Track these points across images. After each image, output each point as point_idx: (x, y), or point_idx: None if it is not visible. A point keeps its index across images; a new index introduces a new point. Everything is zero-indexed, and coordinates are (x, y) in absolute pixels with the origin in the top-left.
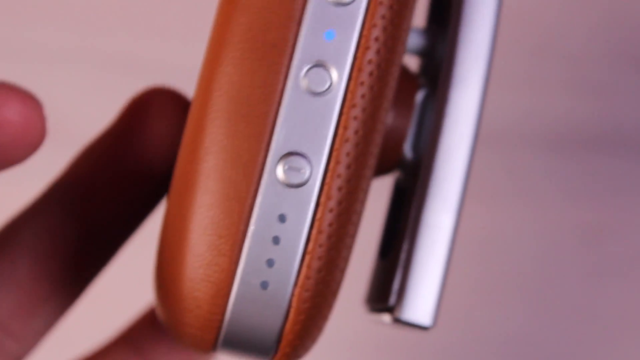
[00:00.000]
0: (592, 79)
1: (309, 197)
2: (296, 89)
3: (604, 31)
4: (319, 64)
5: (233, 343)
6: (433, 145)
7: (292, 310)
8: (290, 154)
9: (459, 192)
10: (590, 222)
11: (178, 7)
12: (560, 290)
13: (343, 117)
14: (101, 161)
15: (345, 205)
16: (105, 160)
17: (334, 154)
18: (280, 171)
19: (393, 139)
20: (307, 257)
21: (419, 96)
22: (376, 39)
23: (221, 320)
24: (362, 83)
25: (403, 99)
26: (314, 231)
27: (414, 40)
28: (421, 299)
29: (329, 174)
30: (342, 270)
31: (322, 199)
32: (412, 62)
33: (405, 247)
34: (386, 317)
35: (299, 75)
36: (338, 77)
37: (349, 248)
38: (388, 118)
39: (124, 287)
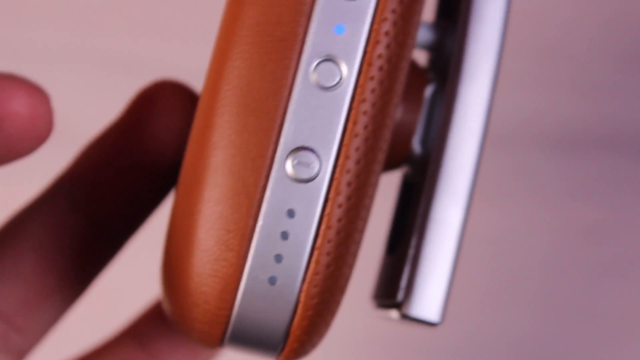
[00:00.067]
0: (600, 79)
1: (318, 192)
2: (306, 83)
3: (612, 32)
4: (329, 58)
5: (240, 338)
6: (442, 140)
7: (300, 306)
8: (299, 148)
9: (468, 187)
10: (601, 222)
11: (178, 7)
12: (569, 289)
13: (352, 112)
14: (107, 155)
15: (354, 201)
16: (112, 153)
17: (343, 149)
18: (289, 166)
19: (402, 133)
20: (316, 253)
21: (428, 91)
22: (386, 33)
23: (229, 316)
24: (372, 77)
25: (412, 94)
26: (323, 227)
27: (423, 34)
28: (429, 295)
29: (338, 169)
30: (351, 266)
31: (331, 194)
32: (420, 57)
33: (413, 242)
34: (394, 313)
35: (308, 69)
36: (348, 71)
37: (358, 244)
38: (397, 113)
39: (130, 281)
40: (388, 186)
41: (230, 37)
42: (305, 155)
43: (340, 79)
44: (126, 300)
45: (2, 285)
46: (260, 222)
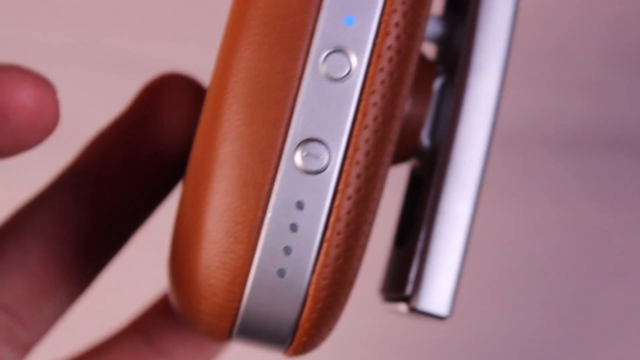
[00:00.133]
0: (609, 80)
1: (327, 184)
2: (315, 74)
3: (622, 33)
4: (339, 50)
5: (249, 331)
6: (451, 132)
7: (309, 299)
8: (308, 140)
9: (477, 180)
10: (609, 221)
11: (179, 7)
12: (578, 289)
13: (362, 104)
14: (114, 147)
15: (364, 193)
16: (118, 146)
17: (353, 140)
18: (298, 158)
19: (411, 126)
20: (325, 245)
21: (437, 84)
22: (396, 25)
23: (237, 308)
24: (381, 69)
25: (421, 87)
26: (332, 219)
27: (432, 27)
28: (438, 289)
29: (347, 161)
30: (360, 258)
31: (341, 186)
32: (429, 50)
33: (422, 235)
34: (402, 307)
35: (318, 60)
36: (357, 62)
37: (367, 236)
38: (406, 105)
39: (136, 275)
40: (396, 179)
41: (239, 27)
42: (314, 147)
43: (350, 70)
44: (132, 294)
45: (8, 278)
46: (269, 214)
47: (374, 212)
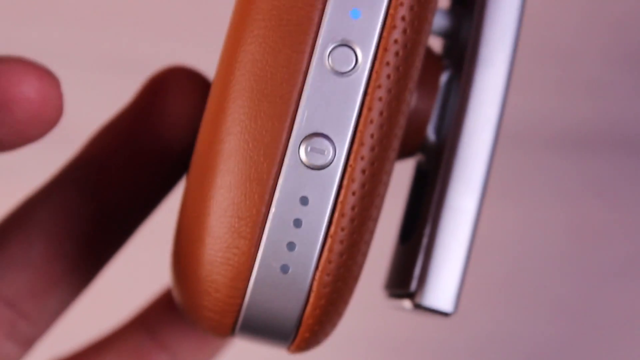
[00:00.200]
0: (614, 80)
1: (332, 179)
2: (320, 68)
3: (626, 34)
4: (344, 43)
5: (252, 327)
6: (457, 127)
7: (313, 295)
8: (313, 135)
9: (483, 176)
10: (614, 221)
11: (179, 7)
12: (583, 288)
13: (367, 98)
14: (118, 140)
15: (369, 188)
16: (122, 139)
17: (358, 135)
18: (302, 152)
19: (416, 121)
20: (329, 241)
21: (443, 78)
22: (402, 19)
23: (240, 304)
24: (387, 63)
25: (427, 81)
26: (336, 214)
27: (439, 21)
28: (443, 285)
29: (352, 156)
30: (364, 254)
31: (345, 182)
32: (435, 44)
33: (427, 231)
34: (407, 303)
35: (323, 54)
36: (363, 56)
37: (371, 232)
38: (412, 100)
39: (139, 271)
40: (401, 174)
41: (244, 21)
42: (319, 142)
43: (356, 64)
44: (135, 290)
45: (11, 273)
46: (272, 210)
47: (378, 208)
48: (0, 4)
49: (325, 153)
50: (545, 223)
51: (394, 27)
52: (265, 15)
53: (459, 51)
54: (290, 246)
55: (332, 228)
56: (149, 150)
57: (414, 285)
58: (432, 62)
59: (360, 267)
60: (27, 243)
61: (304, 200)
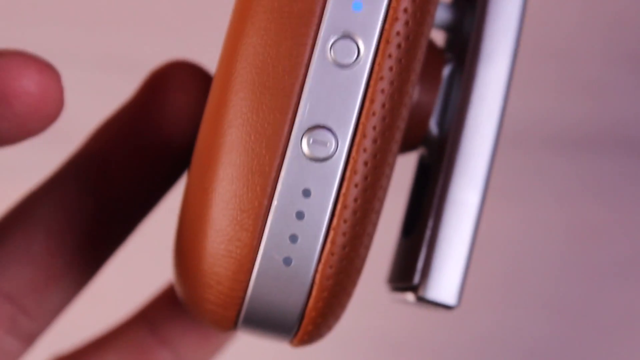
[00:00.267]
0: (613, 81)
1: (334, 171)
2: (323, 60)
3: (625, 33)
4: (346, 36)
5: (254, 321)
6: (460, 120)
7: (315, 287)
8: (315, 127)
9: (486, 169)
10: (613, 221)
11: (179, 7)
12: (581, 289)
13: (370, 90)
14: (119, 135)
15: (371, 181)
16: (124, 134)
17: (360, 127)
18: (305, 145)
19: (419, 114)
20: (332, 233)
21: (446, 71)
22: (405, 11)
23: (242, 297)
24: (389, 55)
25: (430, 74)
26: (339, 206)
27: (441, 14)
28: (446, 278)
29: (354, 148)
30: (367, 247)
31: (348, 174)
32: (438, 37)
33: (430, 224)
34: (410, 296)
35: (325, 46)
36: (365, 49)
37: (374, 224)
38: (414, 93)
39: (141, 266)
40: (404, 168)
41: (246, 13)
42: (321, 134)
43: (358, 56)
44: (137, 285)
45: (12, 267)
46: (275, 202)
47: (381, 200)
48: (1, 4)
49: (328, 145)
50: (544, 223)
51: (396, 19)
52: (267, 7)
53: (462, 44)
54: (293, 238)
55: (335, 220)
56: (151, 145)
57: (417, 278)
58: (435, 55)
59: (363, 259)
60: (28, 238)
61: (307, 193)
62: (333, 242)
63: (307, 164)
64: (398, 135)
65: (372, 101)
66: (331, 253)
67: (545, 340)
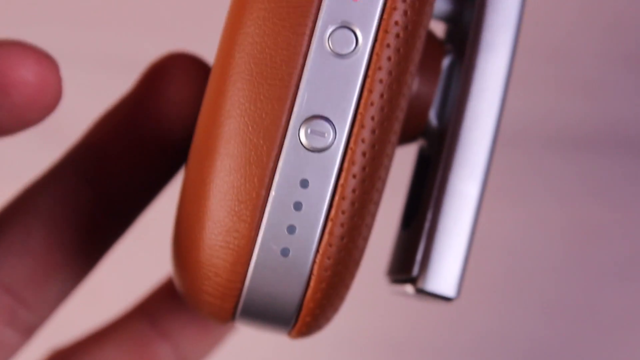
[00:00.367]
0: (612, 80)
1: (332, 162)
2: (321, 50)
3: (624, 33)
4: (345, 25)
5: (252, 312)
6: (459, 112)
7: (313, 278)
8: (313, 117)
9: (485, 160)
10: (613, 221)
11: (179, 7)
12: (581, 288)
13: (368, 80)
14: (118, 128)
15: (369, 171)
16: (122, 126)
17: (359, 117)
18: (303, 135)
19: (418, 105)
20: (329, 224)
21: (445, 63)
22: (403, 0)
23: (240, 289)
24: (388, 45)
25: (429, 65)
26: (337, 197)
27: (441, 5)
28: (445, 269)
29: (352, 139)
30: (365, 238)
31: (346, 165)
32: (438, 29)
33: (429, 216)
34: (409, 288)
35: (323, 36)
36: (363, 38)
37: (373, 215)
38: (414, 84)
39: (140, 259)
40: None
41: (244, 3)
42: (319, 124)
43: (356, 46)
44: (136, 278)
45: (10, 260)
46: (272, 193)
47: (380, 191)
48: (1, 4)
49: (326, 135)
50: (544, 223)
51: (394, 8)
52: None
53: (462, 36)
54: (291, 229)
55: (333, 211)
56: (149, 137)
57: (416, 270)
58: (434, 46)
59: (361, 250)
60: (27, 231)
61: (304, 183)
62: (331, 233)
63: (305, 154)
64: (397, 126)
65: (370, 91)
66: (329, 244)
67: (545, 340)
